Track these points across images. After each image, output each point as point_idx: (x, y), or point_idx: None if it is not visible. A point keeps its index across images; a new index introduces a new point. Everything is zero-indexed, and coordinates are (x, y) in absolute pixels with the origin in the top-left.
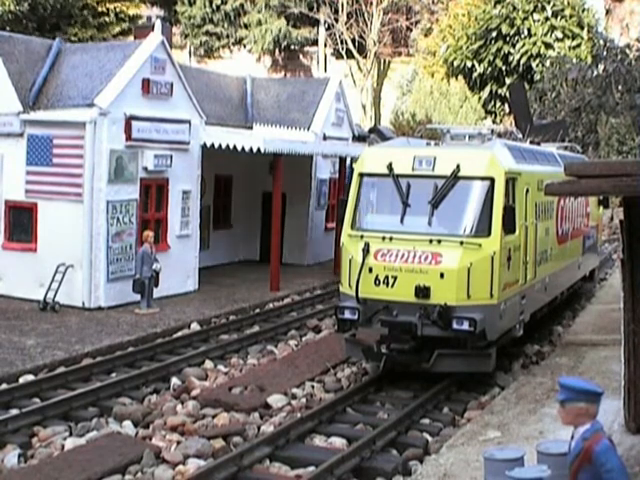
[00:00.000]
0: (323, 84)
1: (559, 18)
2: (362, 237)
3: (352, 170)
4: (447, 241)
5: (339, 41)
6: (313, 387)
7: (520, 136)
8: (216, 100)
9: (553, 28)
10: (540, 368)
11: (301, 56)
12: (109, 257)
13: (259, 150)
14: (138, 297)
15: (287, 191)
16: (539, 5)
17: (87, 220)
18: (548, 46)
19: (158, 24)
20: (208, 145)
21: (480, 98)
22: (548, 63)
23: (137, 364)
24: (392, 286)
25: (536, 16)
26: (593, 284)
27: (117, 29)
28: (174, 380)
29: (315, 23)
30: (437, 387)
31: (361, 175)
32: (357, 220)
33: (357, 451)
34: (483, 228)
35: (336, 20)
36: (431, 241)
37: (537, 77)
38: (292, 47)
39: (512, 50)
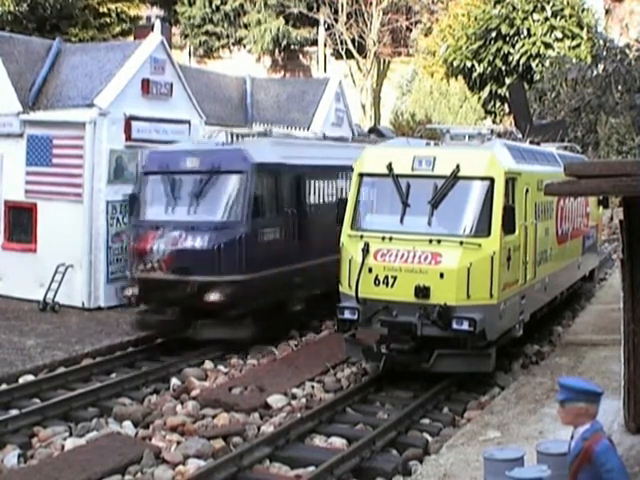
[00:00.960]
0: (323, 84)
1: (559, 18)
2: (362, 237)
3: None
4: (447, 241)
5: (339, 41)
6: (313, 387)
7: (520, 136)
8: (216, 100)
9: (553, 28)
10: (540, 368)
11: (301, 56)
12: (109, 257)
13: None
14: None
15: None
16: (539, 5)
17: (87, 220)
18: (548, 46)
19: (158, 24)
20: None
21: (480, 98)
22: (548, 63)
23: (137, 364)
24: (392, 286)
25: (536, 16)
26: (593, 284)
27: (117, 29)
28: (174, 380)
29: (315, 23)
30: (437, 387)
31: (361, 175)
32: (357, 220)
33: (357, 451)
34: (483, 228)
35: (336, 20)
36: (431, 241)
37: (537, 77)
38: (292, 47)
39: (512, 50)
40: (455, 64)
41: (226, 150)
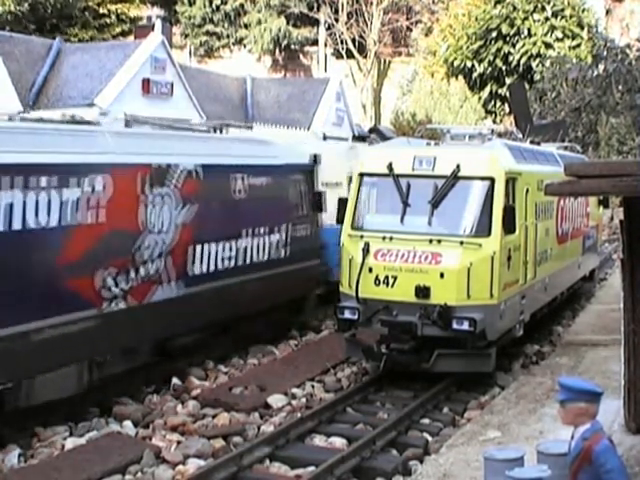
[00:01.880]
0: (323, 84)
1: (559, 18)
2: (362, 237)
3: None
4: (447, 241)
5: (339, 41)
6: (313, 387)
7: (520, 136)
8: (216, 100)
9: (553, 28)
10: (540, 368)
11: (301, 56)
12: None
13: None
14: None
15: None
16: (539, 5)
17: None
18: (548, 46)
19: (158, 24)
20: None
21: (480, 98)
22: (548, 63)
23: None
24: (392, 286)
25: (536, 16)
26: (593, 284)
27: (117, 30)
28: (174, 380)
29: (315, 23)
30: (437, 387)
31: (361, 175)
32: (357, 220)
33: (357, 451)
34: (483, 228)
35: (336, 20)
36: (431, 241)
37: (537, 77)
38: (292, 47)
39: (512, 50)
40: (455, 64)
41: None
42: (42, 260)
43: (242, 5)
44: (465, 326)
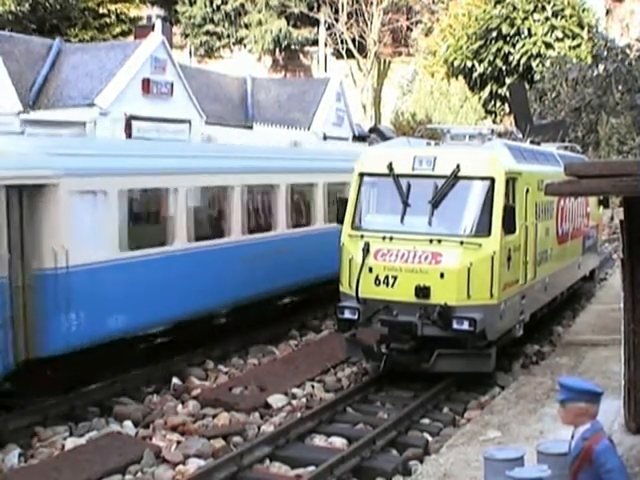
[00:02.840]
0: (323, 84)
1: (559, 18)
2: (362, 237)
3: None
4: (447, 241)
5: (339, 41)
6: (313, 387)
7: (520, 136)
8: (216, 100)
9: (553, 28)
10: (540, 368)
11: (301, 56)
12: None
13: None
14: None
15: None
16: (539, 5)
17: None
18: (548, 46)
19: (158, 24)
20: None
21: (480, 98)
22: (548, 63)
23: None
24: (392, 286)
25: (536, 16)
26: (593, 284)
27: (117, 30)
28: (174, 380)
29: (315, 23)
30: (437, 387)
31: (361, 175)
32: (357, 220)
33: (357, 451)
34: (483, 228)
35: (336, 20)
36: (431, 241)
37: (537, 77)
38: (292, 47)
39: (512, 50)
40: (456, 64)
41: None
42: None
43: (242, 5)
44: (465, 326)
